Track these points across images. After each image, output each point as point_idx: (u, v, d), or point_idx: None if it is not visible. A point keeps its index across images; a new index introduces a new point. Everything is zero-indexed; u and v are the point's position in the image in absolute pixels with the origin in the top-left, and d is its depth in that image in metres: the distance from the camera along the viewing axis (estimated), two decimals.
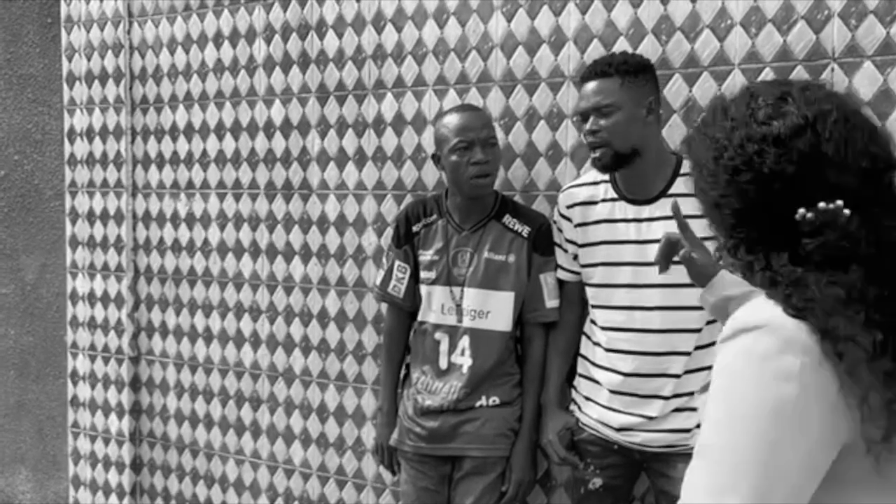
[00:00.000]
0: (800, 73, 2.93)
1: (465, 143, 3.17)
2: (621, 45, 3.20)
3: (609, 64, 2.87)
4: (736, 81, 3.03)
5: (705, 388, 2.85)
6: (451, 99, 3.57)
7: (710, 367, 2.83)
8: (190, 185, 4.34)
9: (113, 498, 4.71)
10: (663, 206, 2.85)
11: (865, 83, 2.84)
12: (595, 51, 3.26)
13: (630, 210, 2.93)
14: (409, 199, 3.69)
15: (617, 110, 2.83)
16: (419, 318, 3.33)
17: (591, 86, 2.87)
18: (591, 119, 2.85)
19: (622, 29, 3.22)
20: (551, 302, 3.21)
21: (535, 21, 3.38)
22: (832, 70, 2.89)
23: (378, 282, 3.44)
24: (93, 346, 4.75)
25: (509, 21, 3.44)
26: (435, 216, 3.33)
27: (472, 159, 3.16)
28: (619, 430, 2.95)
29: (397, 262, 3.38)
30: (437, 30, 3.60)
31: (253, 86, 4.11)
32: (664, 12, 3.14)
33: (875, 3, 2.82)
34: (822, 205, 1.43)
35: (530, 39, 3.40)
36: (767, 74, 2.98)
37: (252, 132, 4.12)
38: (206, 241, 4.32)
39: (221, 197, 4.24)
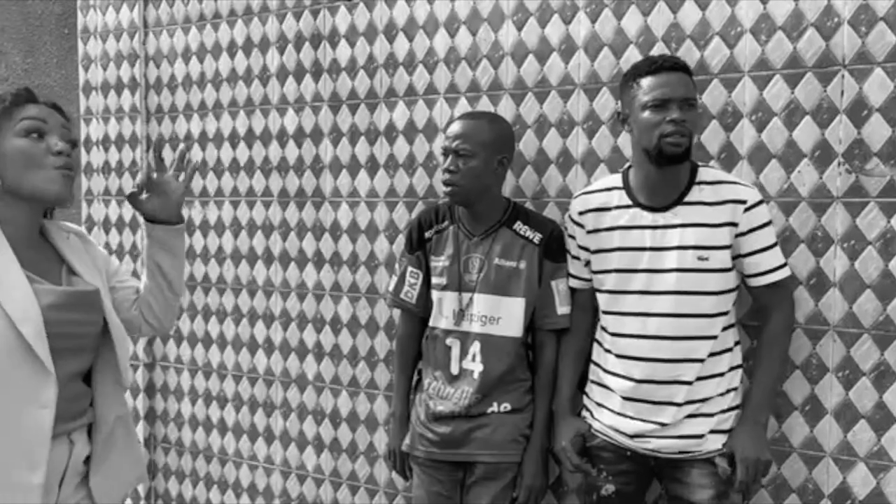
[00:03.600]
0: (810, 80, 2.94)
1: (442, 151, 3.22)
2: (632, 53, 3.22)
3: (678, 61, 2.86)
4: (746, 88, 3.04)
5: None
6: (463, 107, 3.59)
7: (722, 374, 2.87)
8: (204, 192, 4.37)
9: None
10: (679, 214, 2.87)
11: (876, 89, 2.85)
12: (605, 59, 3.28)
13: (646, 217, 2.93)
14: (420, 206, 3.71)
15: (695, 105, 2.85)
16: (430, 323, 3.33)
17: (675, 76, 2.82)
18: (676, 110, 2.79)
19: (632, 37, 3.23)
20: (563, 308, 3.21)
21: (546, 29, 3.40)
22: (842, 77, 2.89)
23: (391, 288, 3.45)
24: None
25: (520, 29, 3.45)
26: (447, 222, 3.33)
27: (442, 167, 3.20)
28: (632, 436, 2.96)
29: (410, 268, 3.39)
30: (448, 38, 3.62)
31: (266, 95, 4.14)
32: (674, 20, 3.16)
33: (885, 10, 2.82)
34: None
35: (541, 48, 3.42)
36: (777, 82, 2.99)
37: (265, 140, 4.15)
38: (220, 249, 4.34)
39: (235, 204, 4.26)
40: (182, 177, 2.61)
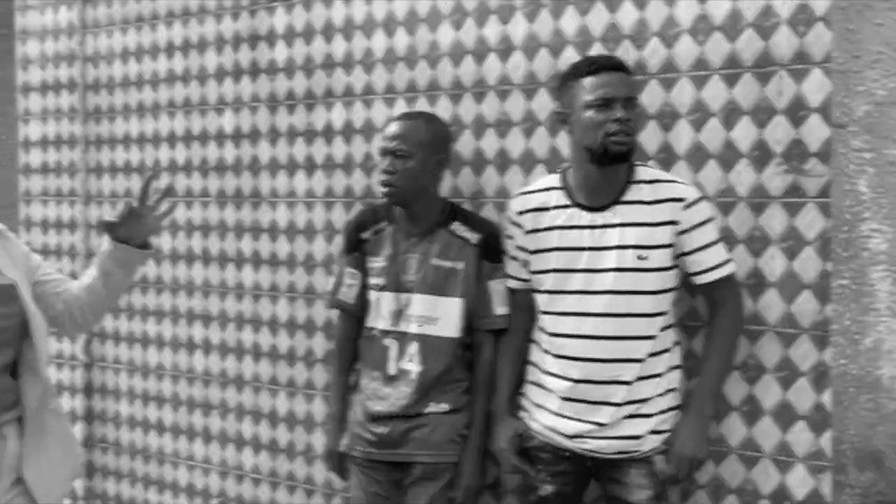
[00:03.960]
0: (748, 81, 2.95)
1: (380, 151, 3.25)
2: (569, 53, 3.22)
3: (618, 60, 2.87)
4: (684, 89, 3.06)
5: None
6: (401, 107, 3.58)
7: (660, 374, 2.87)
8: None
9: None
10: (618, 213, 2.87)
11: (814, 90, 2.86)
12: (543, 59, 3.29)
13: (584, 217, 2.92)
14: (358, 206, 3.69)
15: (637, 105, 2.85)
16: (368, 323, 3.32)
17: (617, 76, 2.81)
18: (621, 109, 2.78)
19: (570, 37, 3.25)
20: (500, 309, 3.21)
21: (484, 30, 3.40)
22: (781, 77, 2.90)
23: (329, 288, 3.43)
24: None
25: (457, 30, 3.46)
26: (384, 223, 3.32)
27: (379, 168, 3.21)
28: (571, 437, 2.95)
29: (347, 269, 3.37)
30: (386, 39, 3.61)
31: (204, 95, 4.12)
32: (612, 20, 3.17)
33: (823, 10, 2.82)
34: None
35: (479, 48, 3.42)
36: (716, 82, 3.00)
37: (203, 141, 4.13)
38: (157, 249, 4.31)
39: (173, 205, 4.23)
40: (159, 209, 2.71)
